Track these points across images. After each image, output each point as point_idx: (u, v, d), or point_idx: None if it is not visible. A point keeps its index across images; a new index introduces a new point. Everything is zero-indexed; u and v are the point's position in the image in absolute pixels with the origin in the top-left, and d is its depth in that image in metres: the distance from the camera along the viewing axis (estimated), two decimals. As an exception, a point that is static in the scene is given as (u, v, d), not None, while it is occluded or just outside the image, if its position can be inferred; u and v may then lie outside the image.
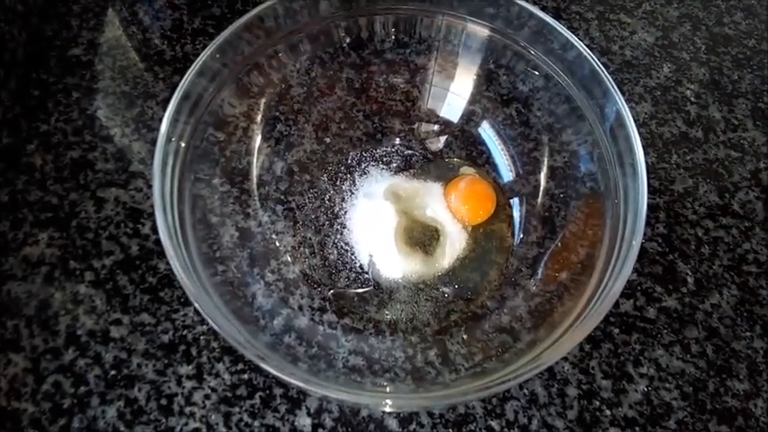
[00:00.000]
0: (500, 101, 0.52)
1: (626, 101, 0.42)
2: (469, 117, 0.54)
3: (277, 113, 0.52)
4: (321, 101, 0.53)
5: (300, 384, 0.34)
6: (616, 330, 0.48)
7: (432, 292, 0.47)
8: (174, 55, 0.60)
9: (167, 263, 0.36)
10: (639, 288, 0.50)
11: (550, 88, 0.48)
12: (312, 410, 0.43)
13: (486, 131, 0.54)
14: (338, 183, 0.52)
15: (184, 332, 0.46)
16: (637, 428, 0.44)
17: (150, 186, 0.51)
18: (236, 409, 0.43)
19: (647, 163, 0.40)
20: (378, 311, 0.46)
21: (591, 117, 0.45)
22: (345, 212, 0.51)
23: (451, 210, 0.50)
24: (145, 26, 0.62)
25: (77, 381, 0.43)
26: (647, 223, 0.52)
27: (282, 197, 0.51)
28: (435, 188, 0.51)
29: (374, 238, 0.49)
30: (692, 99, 0.61)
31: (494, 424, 0.44)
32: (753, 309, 0.50)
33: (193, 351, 0.45)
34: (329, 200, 0.51)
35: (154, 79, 0.58)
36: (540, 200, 0.50)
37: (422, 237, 0.50)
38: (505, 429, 0.44)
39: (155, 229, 0.49)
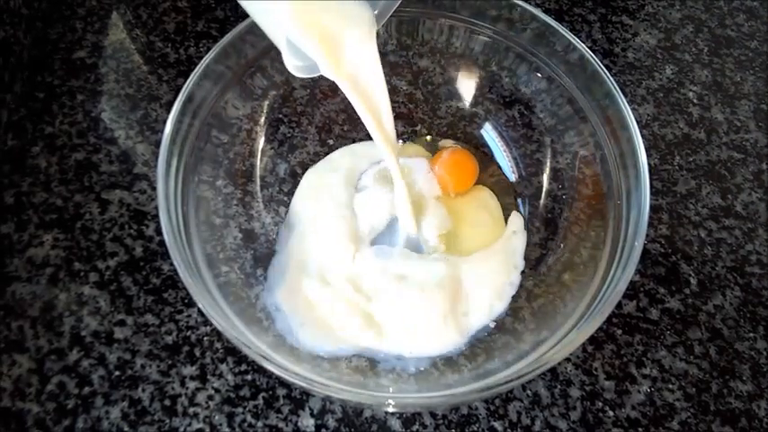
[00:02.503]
0: (503, 103, 0.53)
1: (628, 103, 0.43)
2: (472, 119, 0.54)
3: (280, 116, 0.52)
4: (324, 103, 0.54)
5: (303, 385, 0.34)
6: (619, 331, 0.48)
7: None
8: (178, 58, 0.60)
9: (171, 264, 0.36)
10: (642, 289, 0.50)
11: (553, 90, 0.49)
12: (315, 411, 0.43)
13: (489, 133, 0.54)
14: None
15: (188, 333, 0.46)
16: (640, 429, 0.44)
17: (154, 188, 0.52)
18: (240, 410, 0.43)
19: (649, 164, 0.40)
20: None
21: (593, 119, 0.46)
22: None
23: (438, 179, 0.50)
24: (149, 29, 0.62)
25: (82, 381, 0.44)
26: (650, 224, 0.52)
27: (286, 199, 0.51)
28: (421, 163, 0.52)
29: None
30: (695, 101, 0.62)
31: (497, 425, 0.44)
32: (756, 310, 0.50)
33: (197, 352, 0.45)
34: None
35: (158, 82, 0.58)
36: (542, 201, 0.50)
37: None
38: (508, 430, 0.44)
39: (159, 231, 0.50)
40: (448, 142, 0.54)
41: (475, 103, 0.54)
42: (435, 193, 0.50)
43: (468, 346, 0.44)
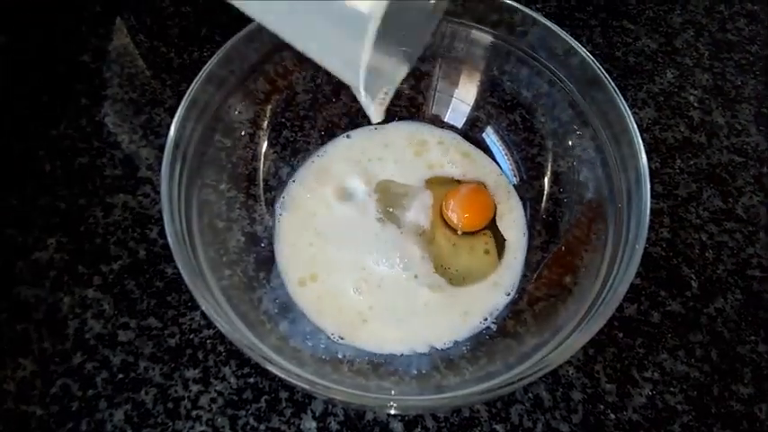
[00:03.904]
0: (504, 107, 0.53)
1: (629, 106, 0.43)
2: (474, 123, 0.55)
3: (283, 120, 0.52)
4: (327, 107, 0.54)
5: (306, 387, 0.34)
6: (620, 334, 0.48)
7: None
8: (182, 62, 0.60)
9: (175, 267, 0.37)
10: (644, 292, 0.50)
11: (554, 94, 0.49)
12: (317, 414, 0.44)
13: (491, 137, 0.54)
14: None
15: (191, 336, 0.46)
16: (641, 432, 0.44)
17: (158, 192, 0.52)
18: (242, 413, 0.43)
19: (650, 168, 0.41)
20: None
21: (594, 123, 0.46)
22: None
23: (449, 213, 0.50)
24: (153, 34, 0.62)
25: (85, 384, 0.44)
26: (651, 228, 0.52)
27: (288, 202, 0.51)
28: (423, 194, 0.51)
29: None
30: (696, 104, 0.62)
31: (498, 428, 0.44)
32: (757, 313, 0.50)
33: (200, 355, 0.45)
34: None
35: (161, 86, 0.59)
36: (544, 205, 0.50)
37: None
38: (510, 433, 0.44)
39: (162, 234, 0.50)
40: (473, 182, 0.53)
41: (476, 107, 0.54)
42: (422, 223, 0.50)
43: (469, 349, 0.44)
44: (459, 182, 0.53)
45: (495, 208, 0.51)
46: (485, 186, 0.52)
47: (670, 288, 0.50)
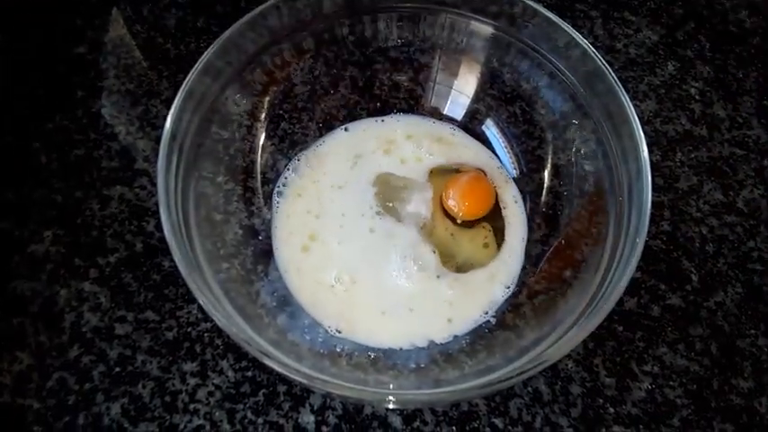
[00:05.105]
0: (504, 99, 0.52)
1: (630, 99, 0.42)
2: (473, 115, 0.54)
3: (281, 111, 0.52)
4: (325, 99, 0.53)
5: (304, 381, 0.34)
6: (620, 328, 0.48)
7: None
8: (179, 53, 0.60)
9: (172, 260, 0.36)
10: (644, 286, 0.50)
11: (554, 86, 0.48)
12: (316, 407, 0.43)
13: (490, 129, 0.54)
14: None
15: (188, 329, 0.46)
16: (641, 426, 0.44)
17: (154, 184, 0.51)
18: (240, 406, 0.43)
19: (651, 161, 0.40)
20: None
21: (595, 115, 0.45)
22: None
23: (450, 201, 0.50)
24: (149, 25, 0.62)
25: (82, 377, 0.44)
26: (652, 221, 0.52)
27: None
28: (425, 188, 0.51)
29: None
30: (697, 97, 0.61)
31: (497, 422, 0.44)
32: (757, 306, 0.50)
33: (197, 348, 0.45)
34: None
35: (158, 78, 0.58)
36: (544, 198, 0.50)
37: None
38: (509, 427, 0.44)
39: (159, 227, 0.50)
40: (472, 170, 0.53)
41: (476, 99, 0.54)
42: (423, 216, 0.49)
43: (468, 342, 0.44)
44: (458, 171, 0.52)
45: (497, 195, 0.51)
46: (484, 174, 0.52)
47: (670, 281, 0.50)
